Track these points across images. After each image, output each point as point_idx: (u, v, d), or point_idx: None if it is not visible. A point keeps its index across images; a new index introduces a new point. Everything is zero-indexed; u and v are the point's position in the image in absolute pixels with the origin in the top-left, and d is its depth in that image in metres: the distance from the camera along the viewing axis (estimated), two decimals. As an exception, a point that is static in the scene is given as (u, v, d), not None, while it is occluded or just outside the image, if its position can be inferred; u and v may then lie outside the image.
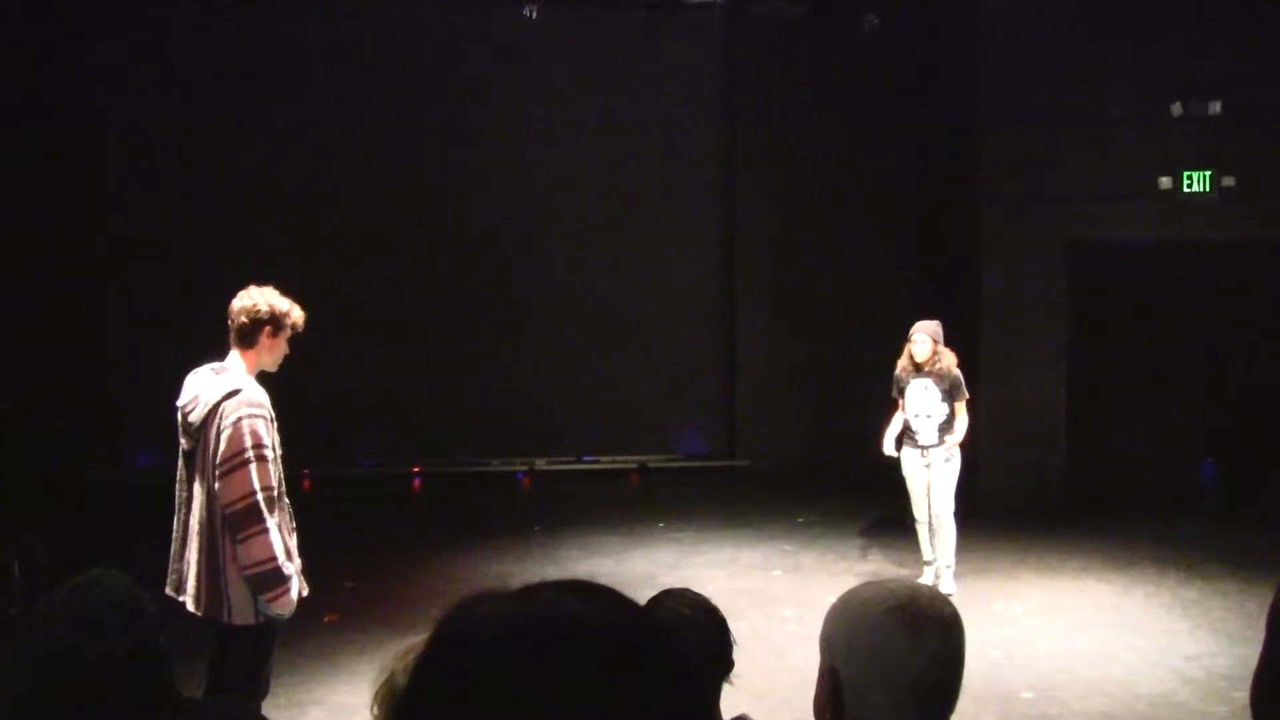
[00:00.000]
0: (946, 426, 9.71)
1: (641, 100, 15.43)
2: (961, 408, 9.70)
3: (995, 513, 12.38)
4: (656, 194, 15.58)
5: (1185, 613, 9.42)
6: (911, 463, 9.88)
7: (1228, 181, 12.58)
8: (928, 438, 9.75)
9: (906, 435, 9.88)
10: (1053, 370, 13.21)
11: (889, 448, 9.95)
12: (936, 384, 9.68)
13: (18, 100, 14.14)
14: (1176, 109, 12.55)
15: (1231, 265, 13.14)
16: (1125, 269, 13.39)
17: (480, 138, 15.16)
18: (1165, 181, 12.66)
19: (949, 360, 9.74)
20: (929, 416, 9.72)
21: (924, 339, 9.69)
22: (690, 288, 15.97)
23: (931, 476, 9.77)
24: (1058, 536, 11.80)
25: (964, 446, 9.87)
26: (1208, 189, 12.63)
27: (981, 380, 13.22)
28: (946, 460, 9.72)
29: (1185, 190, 12.68)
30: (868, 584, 2.37)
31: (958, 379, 9.71)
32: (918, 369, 9.72)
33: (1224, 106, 12.48)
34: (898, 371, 9.91)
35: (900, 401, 9.90)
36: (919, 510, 9.93)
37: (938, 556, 9.88)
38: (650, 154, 15.52)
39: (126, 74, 14.84)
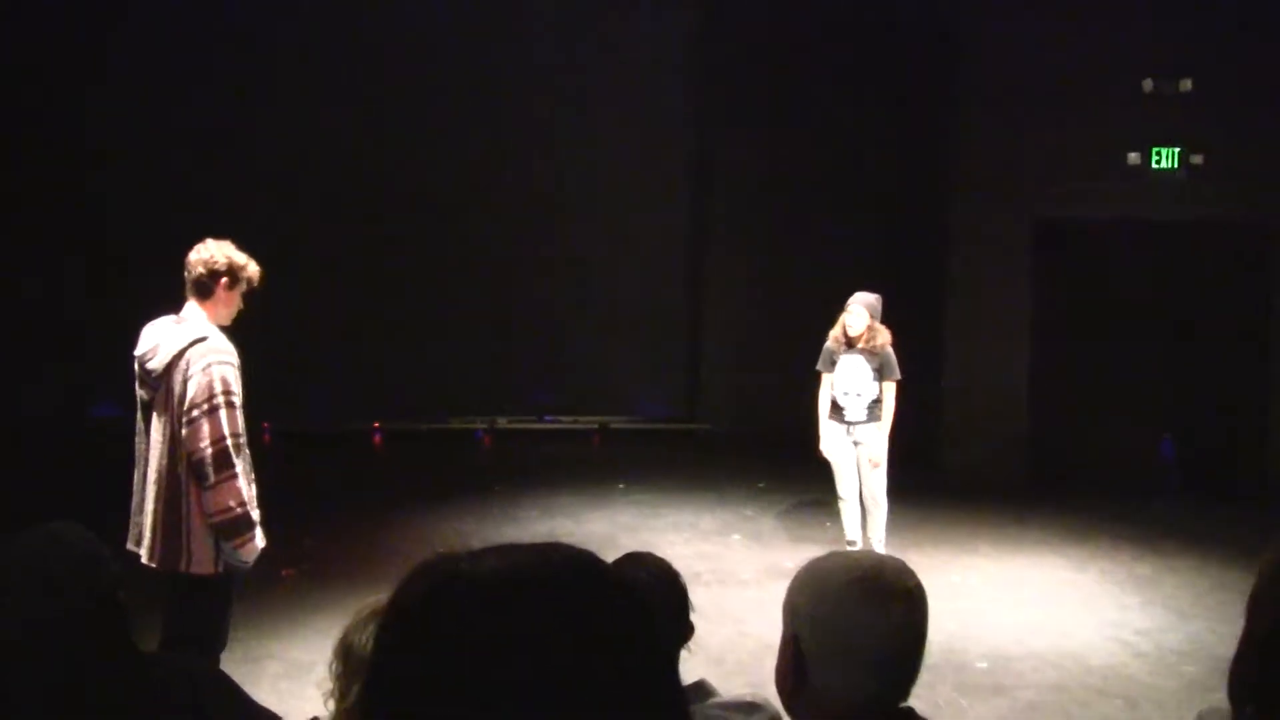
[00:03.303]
0: (875, 405, 9.37)
1: (613, 62, 15.39)
2: (890, 390, 9.35)
3: (956, 486, 12.44)
4: (625, 157, 15.53)
5: (1138, 588, 9.49)
6: (837, 439, 9.52)
7: (1196, 159, 12.61)
8: (855, 414, 9.40)
9: (833, 410, 9.51)
10: (1017, 346, 13.25)
11: (826, 447, 9.57)
12: (868, 361, 9.31)
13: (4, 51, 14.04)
14: (1148, 85, 12.57)
15: (1199, 243, 13.15)
16: (1092, 246, 13.42)
17: (448, 99, 15.09)
18: (1134, 158, 12.69)
19: (884, 338, 9.35)
20: (859, 395, 9.36)
21: (860, 311, 9.28)
22: (656, 250, 15.95)
23: (862, 455, 9.44)
24: (1017, 511, 11.85)
25: (899, 426, 9.54)
26: (1176, 166, 12.66)
27: (947, 355, 13.28)
28: (875, 466, 9.39)
29: (1155, 167, 12.71)
30: (834, 553, 2.37)
31: (889, 358, 9.33)
32: (850, 343, 9.36)
33: (1195, 83, 12.50)
34: (828, 343, 9.53)
35: (826, 375, 9.55)
36: (844, 487, 9.59)
37: (870, 534, 9.55)
38: (620, 116, 15.47)
39: (109, 23, 14.76)
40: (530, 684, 1.06)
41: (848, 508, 9.67)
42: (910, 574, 2.29)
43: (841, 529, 9.77)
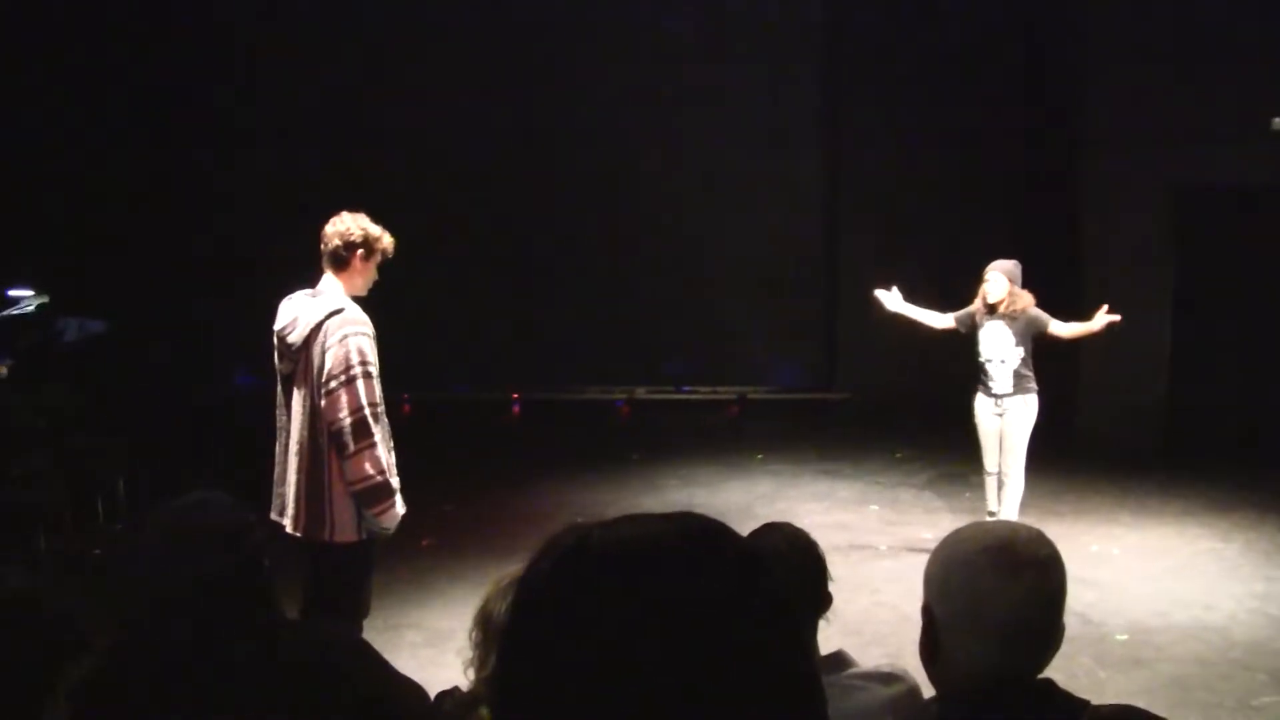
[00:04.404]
0: (1022, 375, 9.20)
1: (744, 27, 15.31)
2: (1055, 326, 9.13)
3: (1095, 454, 12.21)
4: (759, 122, 15.45)
5: (1286, 560, 9.25)
6: (984, 411, 9.39)
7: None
8: (1002, 385, 9.22)
9: (979, 382, 9.38)
10: (1156, 313, 12.96)
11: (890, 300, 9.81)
12: (1009, 325, 9.15)
13: (144, 26, 14.35)
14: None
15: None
16: (1236, 211, 13.02)
17: (585, 70, 15.14)
18: (1279, 122, 12.29)
19: (1025, 301, 9.18)
20: (1003, 361, 9.19)
21: (998, 277, 9.16)
22: (791, 218, 15.86)
23: (1004, 426, 9.28)
24: (1158, 480, 11.61)
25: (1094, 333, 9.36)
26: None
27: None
28: (1025, 403, 9.22)
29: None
30: (971, 524, 2.38)
31: (1036, 315, 9.15)
32: (991, 310, 9.21)
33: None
34: (971, 308, 9.41)
35: (951, 320, 9.49)
36: (989, 461, 9.45)
37: (1001, 511, 9.38)
38: (752, 81, 15.39)
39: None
40: (658, 654, 1.08)
41: (992, 481, 9.54)
42: (1044, 543, 2.28)
43: (982, 500, 9.67)
